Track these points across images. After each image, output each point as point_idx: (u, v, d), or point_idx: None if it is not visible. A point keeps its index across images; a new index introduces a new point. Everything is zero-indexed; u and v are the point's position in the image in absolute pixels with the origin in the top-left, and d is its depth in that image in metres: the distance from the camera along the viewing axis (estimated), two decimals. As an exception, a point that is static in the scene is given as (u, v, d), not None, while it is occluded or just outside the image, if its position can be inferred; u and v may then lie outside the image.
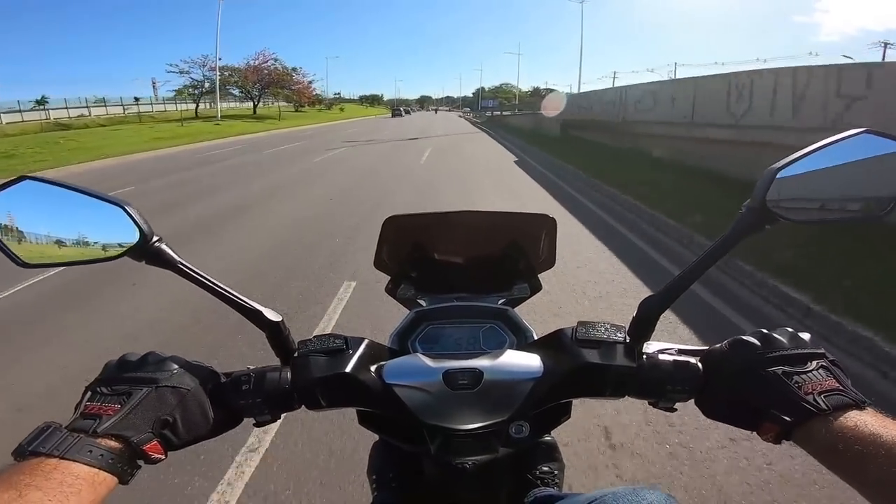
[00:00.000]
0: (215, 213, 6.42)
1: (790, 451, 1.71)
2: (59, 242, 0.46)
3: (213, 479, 1.74)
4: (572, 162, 10.01)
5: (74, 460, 0.34)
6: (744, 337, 0.45)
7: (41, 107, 33.24)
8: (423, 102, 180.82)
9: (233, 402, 0.46)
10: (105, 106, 37.02)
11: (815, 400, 0.39)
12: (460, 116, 58.97)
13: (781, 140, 5.77)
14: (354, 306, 3.24)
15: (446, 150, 14.31)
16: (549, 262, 0.71)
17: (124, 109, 37.34)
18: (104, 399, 0.40)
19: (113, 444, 0.37)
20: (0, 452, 0.38)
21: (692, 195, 6.01)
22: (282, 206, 6.80)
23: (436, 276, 0.71)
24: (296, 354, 0.50)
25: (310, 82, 54.25)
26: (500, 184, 8.66)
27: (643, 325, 0.48)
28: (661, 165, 8.73)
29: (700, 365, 0.46)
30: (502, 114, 39.03)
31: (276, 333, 0.49)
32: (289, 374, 0.47)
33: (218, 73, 38.51)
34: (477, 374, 0.48)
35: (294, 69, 51.14)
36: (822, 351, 0.43)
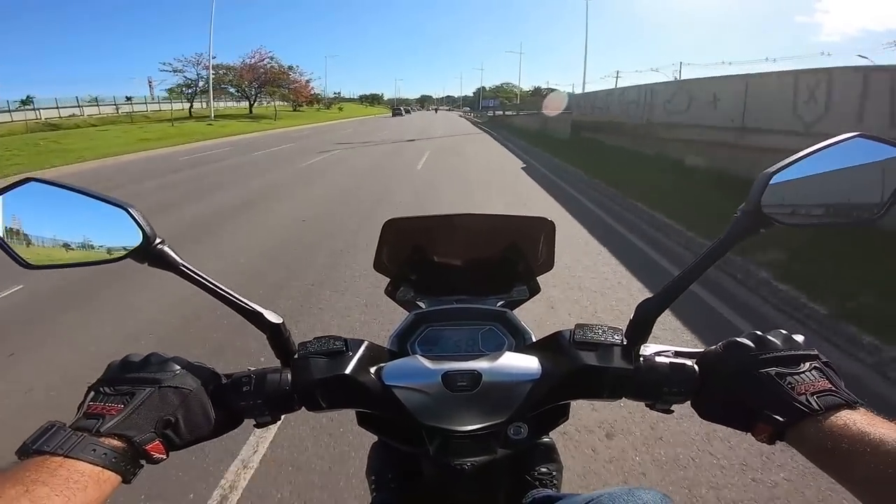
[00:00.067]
0: (176, 234, 5.14)
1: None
2: (63, 244, 0.46)
3: (214, 479, 1.73)
4: (598, 174, 8.12)
5: (79, 459, 0.35)
6: (738, 339, 0.45)
7: (26, 106, 32.40)
8: (424, 102, 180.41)
9: (234, 403, 0.46)
10: (98, 105, 36.34)
11: (807, 400, 0.39)
12: (461, 116, 58.69)
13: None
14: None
15: (446, 153, 13.87)
16: (548, 264, 0.72)
17: (117, 109, 36.61)
18: (107, 399, 0.40)
19: (116, 443, 0.38)
20: (1, 452, 0.38)
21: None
22: (244, 233, 5.29)
23: (435, 278, 0.71)
24: (296, 356, 0.50)
25: (307, 81, 53.73)
26: (509, 197, 7.14)
27: (640, 327, 0.49)
28: (707, 178, 7.08)
29: (696, 367, 0.47)
30: (504, 114, 37.18)
31: (276, 335, 0.50)
32: (289, 376, 0.48)
33: (211, 72, 37.53)
34: (476, 375, 0.49)
35: (290, 67, 50.57)
36: (815, 352, 0.43)
